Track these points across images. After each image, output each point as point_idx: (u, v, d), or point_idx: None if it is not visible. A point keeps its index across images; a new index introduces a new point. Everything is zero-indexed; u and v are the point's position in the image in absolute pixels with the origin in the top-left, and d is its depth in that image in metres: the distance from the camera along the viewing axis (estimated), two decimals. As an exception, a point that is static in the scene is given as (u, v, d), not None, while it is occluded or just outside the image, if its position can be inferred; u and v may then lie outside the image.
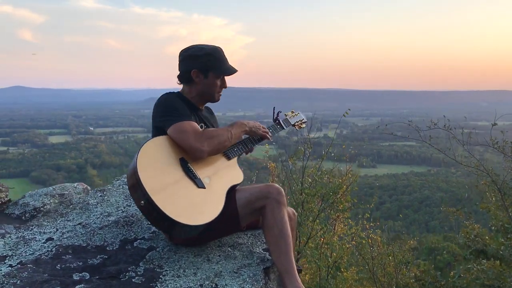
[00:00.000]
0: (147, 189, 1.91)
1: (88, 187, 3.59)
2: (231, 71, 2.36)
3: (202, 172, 2.19)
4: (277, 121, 2.75)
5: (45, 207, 3.16)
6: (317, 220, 7.70)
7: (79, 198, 2.95)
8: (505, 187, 5.71)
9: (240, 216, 2.26)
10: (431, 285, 7.32)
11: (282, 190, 2.28)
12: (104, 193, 3.04)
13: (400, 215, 33.10)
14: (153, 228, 2.51)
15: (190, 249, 2.29)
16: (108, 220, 2.62)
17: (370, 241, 9.03)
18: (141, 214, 2.67)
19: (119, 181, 3.26)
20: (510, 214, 5.60)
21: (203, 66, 2.29)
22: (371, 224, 9.44)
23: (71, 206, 2.84)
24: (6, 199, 3.38)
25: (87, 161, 76.99)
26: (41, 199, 3.27)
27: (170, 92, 2.35)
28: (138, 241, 2.38)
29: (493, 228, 6.87)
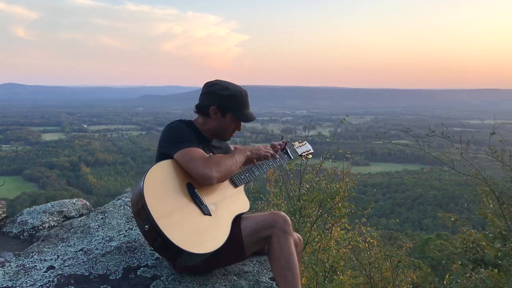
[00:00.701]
0: (153, 214, 1.88)
1: (87, 203, 3.55)
2: (250, 118, 2.35)
3: (208, 199, 2.16)
4: (284, 151, 2.74)
5: (43, 225, 3.11)
6: (314, 225, 7.68)
7: (80, 221, 2.89)
8: (503, 196, 5.71)
9: (245, 245, 2.23)
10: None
11: (288, 218, 2.25)
12: (105, 215, 2.99)
13: (397, 220, 33.32)
14: (157, 254, 2.47)
15: (195, 278, 2.25)
16: (110, 245, 2.57)
17: (367, 245, 9.03)
18: (144, 239, 2.63)
19: (119, 200, 3.21)
20: (509, 223, 5.59)
21: (224, 106, 2.28)
22: (368, 228, 9.45)
23: (72, 230, 2.78)
24: (3, 215, 3.33)
25: (80, 159, 76.89)
26: (39, 217, 3.23)
27: (181, 120, 2.33)
28: (141, 269, 2.33)
29: (491, 235, 6.89)
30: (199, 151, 2.13)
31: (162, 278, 2.25)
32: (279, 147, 2.72)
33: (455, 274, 7.54)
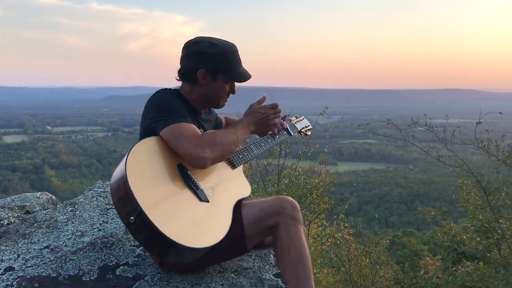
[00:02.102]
0: (140, 203, 1.52)
1: (53, 197, 3.11)
2: (245, 77, 1.97)
3: (204, 182, 1.81)
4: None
5: (2, 222, 2.67)
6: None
7: (45, 214, 2.47)
8: (489, 187, 5.58)
9: (247, 236, 1.89)
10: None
11: (297, 204, 1.93)
12: (75, 207, 2.57)
13: (376, 216, 33.67)
14: (138, 250, 2.10)
15: (186, 277, 1.90)
16: (83, 241, 2.17)
17: (345, 241, 8.84)
18: (122, 232, 2.25)
19: (91, 191, 2.80)
20: (496, 215, 5.46)
21: (213, 67, 1.90)
22: (346, 224, 9.27)
23: (35, 224, 2.36)
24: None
25: (44, 161, 74.96)
26: (-4, 213, 2.79)
27: (166, 89, 1.94)
28: (121, 267, 1.96)
29: (473, 228, 6.79)
30: (190, 127, 1.77)
31: (146, 278, 1.89)
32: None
33: (435, 269, 7.45)
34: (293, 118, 2.52)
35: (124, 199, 1.57)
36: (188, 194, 1.71)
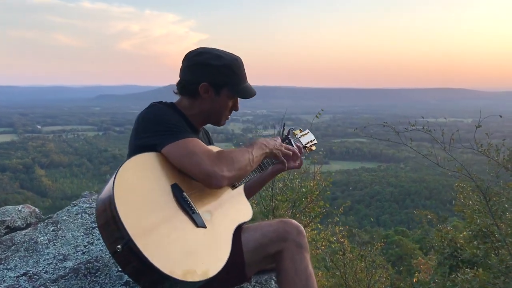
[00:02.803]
0: (129, 230, 1.33)
1: (36, 210, 2.90)
2: (250, 93, 1.79)
3: (201, 205, 1.62)
4: (286, 141, 2.21)
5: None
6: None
7: (24, 235, 2.26)
8: (490, 192, 5.45)
9: (247, 264, 1.70)
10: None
11: (302, 228, 1.75)
12: (58, 226, 2.36)
13: (372, 219, 33.84)
14: (126, 277, 1.90)
15: (179, 309, 1.70)
16: (65, 267, 1.97)
17: (340, 245, 8.69)
18: (109, 256, 2.05)
19: (76, 207, 2.59)
20: (497, 220, 5.33)
21: (217, 80, 1.72)
22: (341, 228, 9.12)
23: (13, 247, 2.15)
24: None
25: (34, 161, 74.50)
26: (-27, 229, 2.57)
27: (161, 102, 1.76)
28: (106, 297, 1.76)
29: (471, 232, 6.68)
30: (201, 144, 1.60)
31: (135, 309, 1.69)
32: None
33: (433, 274, 7.34)
34: (297, 132, 2.34)
35: (110, 224, 1.37)
36: (183, 219, 1.52)
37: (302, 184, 7.55)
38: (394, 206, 49.85)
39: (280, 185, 7.40)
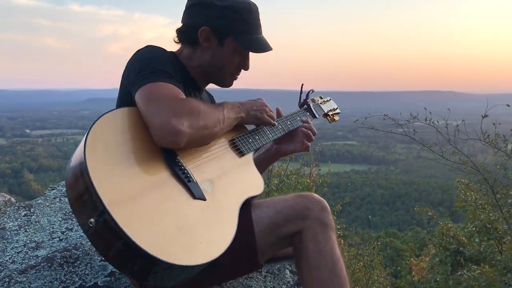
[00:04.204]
0: (103, 198, 1.01)
1: (12, 199, 2.56)
2: (264, 46, 1.47)
3: (200, 173, 1.29)
4: (305, 106, 1.87)
5: None
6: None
7: (-10, 220, 1.92)
8: (497, 185, 5.19)
9: (259, 248, 1.38)
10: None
11: (326, 203, 1.43)
12: (31, 210, 2.02)
13: (370, 217, 33.98)
14: (111, 267, 1.58)
15: (176, 304, 1.38)
16: (37, 256, 1.64)
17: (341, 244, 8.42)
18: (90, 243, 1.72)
19: (54, 190, 2.26)
20: (505, 214, 5.08)
21: (220, 25, 1.40)
22: (337, 226, 8.84)
23: (-25, 234, 1.81)
24: None
25: (23, 165, 73.67)
26: None
27: (158, 47, 1.42)
28: (87, 291, 1.44)
29: (474, 228, 6.44)
30: (170, 88, 1.25)
31: (121, 305, 1.37)
32: (282, 114, 1.74)
33: (433, 272, 7.07)
34: (317, 98, 2.00)
35: (83, 195, 1.05)
36: (176, 188, 1.19)
37: (299, 181, 7.26)
38: (384, 208, 49.91)
39: (276, 182, 7.10)
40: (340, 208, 8.14)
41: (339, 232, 8.84)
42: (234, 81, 1.56)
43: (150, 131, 1.19)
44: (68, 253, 1.64)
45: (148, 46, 1.37)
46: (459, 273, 5.46)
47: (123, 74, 1.33)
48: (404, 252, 18.96)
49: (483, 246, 6.13)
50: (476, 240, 6.35)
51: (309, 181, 7.32)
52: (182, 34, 1.46)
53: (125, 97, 1.29)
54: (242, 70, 1.52)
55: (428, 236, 7.22)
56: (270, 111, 1.57)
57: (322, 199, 1.43)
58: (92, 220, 1.01)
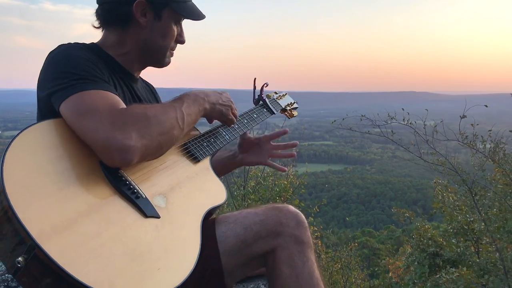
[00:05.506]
0: (31, 230, 0.82)
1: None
2: (199, 13, 1.32)
3: (149, 186, 1.11)
4: (261, 103, 1.71)
5: None
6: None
7: None
8: (476, 186, 5.14)
9: (225, 270, 1.20)
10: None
11: (303, 217, 1.26)
12: None
13: (347, 218, 34.18)
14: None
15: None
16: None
17: (315, 247, 8.32)
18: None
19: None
20: (483, 216, 5.03)
21: None
22: (315, 228, 8.74)
23: None
24: None
25: (-5, 167, 72.04)
26: None
27: (76, 43, 1.23)
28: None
29: (451, 230, 6.43)
30: (107, 96, 1.07)
31: None
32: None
33: (412, 274, 7.04)
34: (273, 94, 1.85)
35: (3, 228, 0.86)
36: (121, 207, 1.00)
37: (276, 183, 7.10)
38: (360, 208, 50.43)
39: (253, 184, 6.93)
40: (318, 210, 8.02)
41: (316, 234, 8.74)
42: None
43: (94, 151, 1.00)
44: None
45: (60, 47, 1.16)
46: (438, 275, 5.41)
47: (37, 85, 1.13)
48: (380, 251, 19.12)
49: (460, 247, 6.11)
50: (453, 240, 6.34)
51: (286, 183, 7.16)
52: (107, 15, 1.25)
53: (45, 108, 1.10)
54: (179, 44, 1.37)
55: (404, 235, 7.20)
56: (235, 109, 1.41)
57: (298, 211, 1.27)
58: (20, 259, 0.81)
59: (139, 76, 1.41)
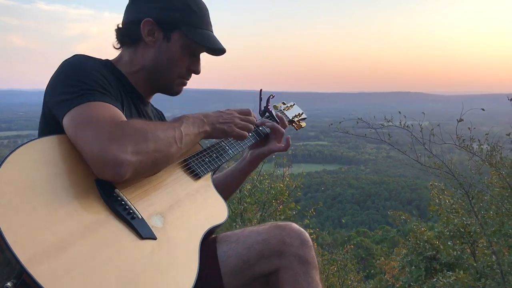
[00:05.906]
0: (19, 254, 0.79)
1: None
2: (215, 42, 1.27)
3: (146, 206, 1.07)
4: (267, 114, 1.67)
5: None
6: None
7: None
8: (473, 190, 5.13)
9: None
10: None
11: (307, 235, 1.23)
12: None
13: (343, 220, 34.17)
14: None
15: None
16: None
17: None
18: None
19: None
20: (481, 220, 5.02)
21: (167, 15, 1.20)
22: (311, 231, 8.72)
23: None
24: None
25: (-12, 167, 71.85)
26: None
27: (90, 56, 1.20)
28: None
29: (448, 233, 6.43)
30: (106, 109, 1.04)
31: None
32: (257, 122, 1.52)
33: (407, 277, 7.04)
34: (280, 104, 1.81)
35: None
36: (116, 228, 0.97)
37: (272, 186, 7.07)
38: (355, 208, 50.59)
39: (249, 187, 6.90)
40: (314, 213, 7.99)
41: (312, 236, 8.72)
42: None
43: (87, 162, 0.97)
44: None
45: (75, 56, 1.14)
46: (435, 279, 5.41)
47: (45, 90, 1.10)
48: (375, 251, 19.18)
49: (456, 250, 6.11)
50: (449, 243, 6.34)
51: (282, 185, 7.14)
52: (122, 34, 1.25)
53: (49, 119, 1.07)
54: (193, 74, 1.32)
55: (399, 236, 7.21)
56: (242, 121, 1.34)
57: (302, 230, 1.24)
58: (9, 284, 0.78)
59: (150, 102, 1.37)
